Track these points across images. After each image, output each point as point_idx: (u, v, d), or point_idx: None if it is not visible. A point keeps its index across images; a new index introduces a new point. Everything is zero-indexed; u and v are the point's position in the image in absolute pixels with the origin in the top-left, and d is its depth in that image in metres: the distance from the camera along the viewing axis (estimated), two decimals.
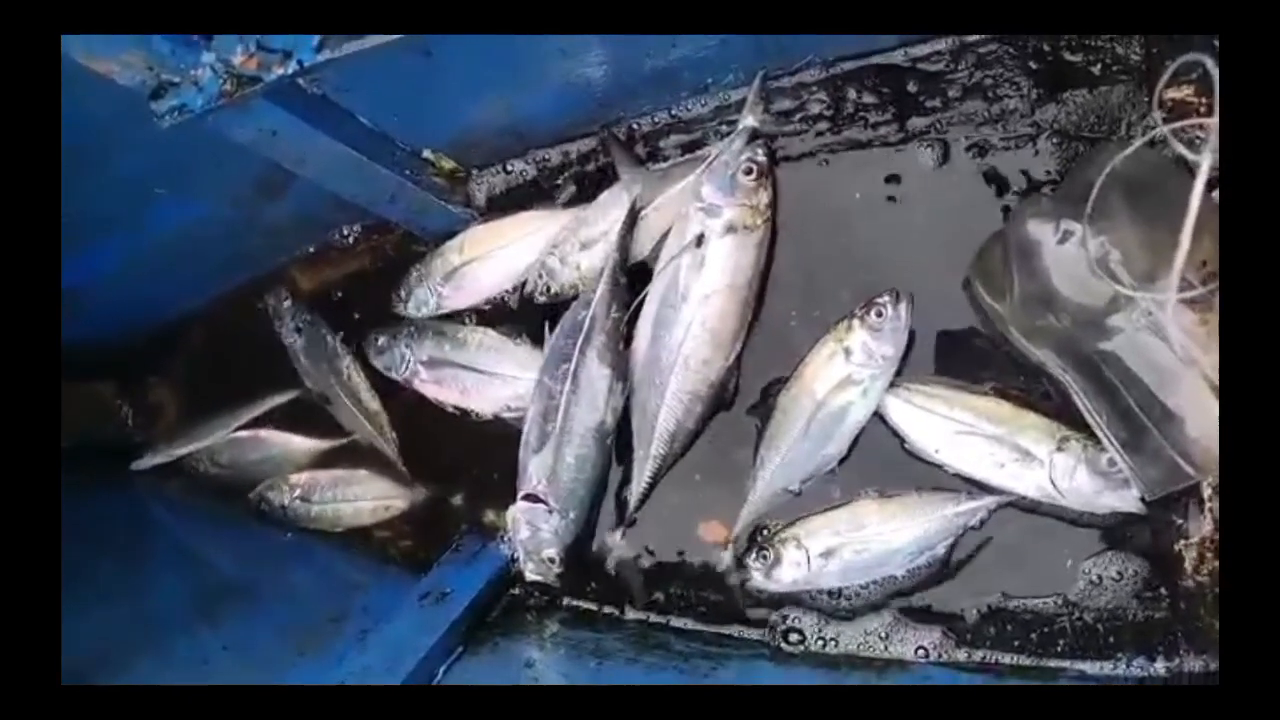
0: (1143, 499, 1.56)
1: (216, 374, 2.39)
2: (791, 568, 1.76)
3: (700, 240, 1.75)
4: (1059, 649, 1.64)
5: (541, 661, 1.83)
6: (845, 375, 1.71)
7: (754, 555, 1.79)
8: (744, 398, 1.86)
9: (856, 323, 1.70)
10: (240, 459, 2.31)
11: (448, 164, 2.03)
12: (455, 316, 2.12)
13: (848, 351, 1.70)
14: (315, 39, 1.46)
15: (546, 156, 2.03)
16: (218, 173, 1.88)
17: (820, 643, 1.76)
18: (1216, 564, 1.54)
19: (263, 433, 2.30)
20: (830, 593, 1.78)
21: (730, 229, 1.74)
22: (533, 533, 1.84)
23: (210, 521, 2.31)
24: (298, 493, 2.24)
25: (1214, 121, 1.14)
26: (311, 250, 2.27)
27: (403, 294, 2.13)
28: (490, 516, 2.09)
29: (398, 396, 2.18)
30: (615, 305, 1.85)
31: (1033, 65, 1.65)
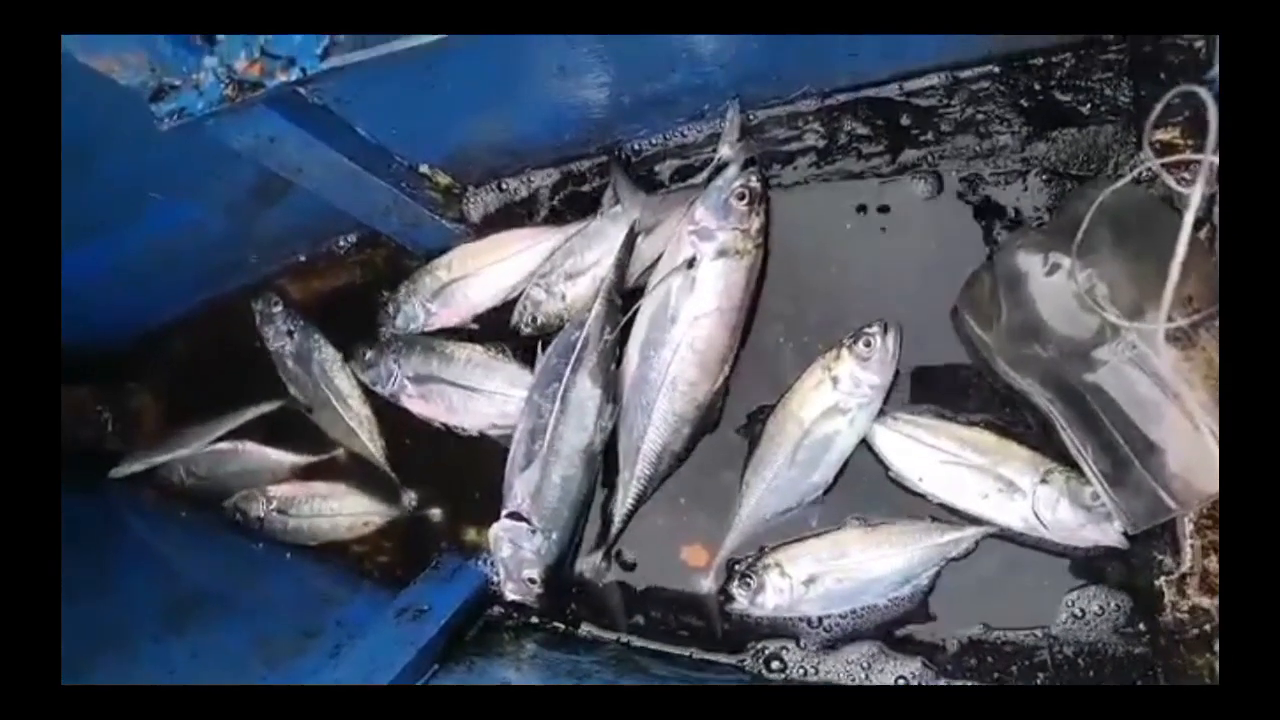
0: (1125, 533, 1.57)
1: (199, 383, 2.37)
2: (775, 594, 1.75)
3: (692, 262, 1.76)
4: (1039, 681, 1.64)
5: (518, 682, 1.80)
6: (832, 404, 1.72)
7: (737, 581, 1.79)
8: (730, 422, 1.86)
9: (845, 351, 1.71)
10: (218, 470, 2.27)
11: (444, 179, 2.04)
12: (444, 333, 2.12)
13: (835, 380, 1.71)
14: (320, 48, 1.47)
15: (543, 177, 2.04)
16: (214, 178, 1.88)
17: (801, 671, 1.75)
18: (1197, 601, 1.55)
19: (242, 445, 2.26)
20: (812, 621, 1.77)
21: (722, 252, 1.75)
22: (514, 551, 1.83)
23: (184, 531, 2.26)
24: (274, 505, 2.21)
25: (1206, 158, 1.17)
26: (302, 260, 2.26)
27: (391, 309, 2.13)
28: (471, 534, 2.08)
29: (381, 412, 2.17)
30: (609, 326, 1.85)
31: (1024, 103, 1.68)
